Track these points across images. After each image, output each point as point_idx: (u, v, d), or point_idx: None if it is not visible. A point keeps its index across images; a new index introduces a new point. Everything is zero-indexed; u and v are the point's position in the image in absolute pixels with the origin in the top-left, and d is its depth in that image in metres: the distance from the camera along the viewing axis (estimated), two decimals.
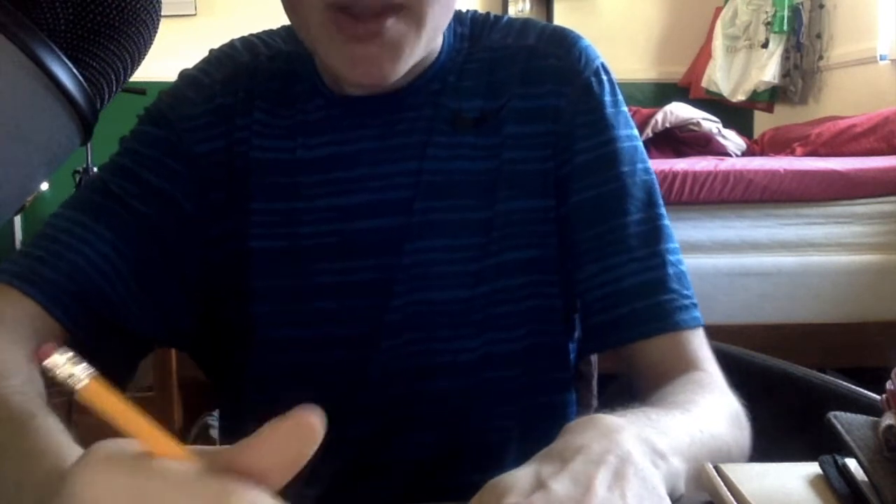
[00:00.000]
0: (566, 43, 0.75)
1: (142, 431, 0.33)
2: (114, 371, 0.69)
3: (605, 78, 0.75)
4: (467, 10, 0.79)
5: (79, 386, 0.32)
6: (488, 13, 0.79)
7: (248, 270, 0.72)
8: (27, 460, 0.48)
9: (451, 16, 0.70)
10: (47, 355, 0.32)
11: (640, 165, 0.73)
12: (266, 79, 0.75)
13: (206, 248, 0.73)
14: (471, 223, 0.71)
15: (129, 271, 0.69)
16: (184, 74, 0.77)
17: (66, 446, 0.49)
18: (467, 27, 0.77)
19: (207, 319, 0.75)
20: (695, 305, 0.71)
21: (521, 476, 0.43)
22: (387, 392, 0.72)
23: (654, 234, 0.71)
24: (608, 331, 0.71)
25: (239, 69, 0.76)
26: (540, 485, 0.42)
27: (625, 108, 0.76)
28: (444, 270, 0.71)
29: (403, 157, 0.72)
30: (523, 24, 0.77)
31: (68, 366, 0.32)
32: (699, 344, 0.70)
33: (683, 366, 0.68)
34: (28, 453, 0.48)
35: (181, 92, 0.75)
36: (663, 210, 0.74)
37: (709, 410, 0.61)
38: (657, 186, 0.74)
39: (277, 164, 0.73)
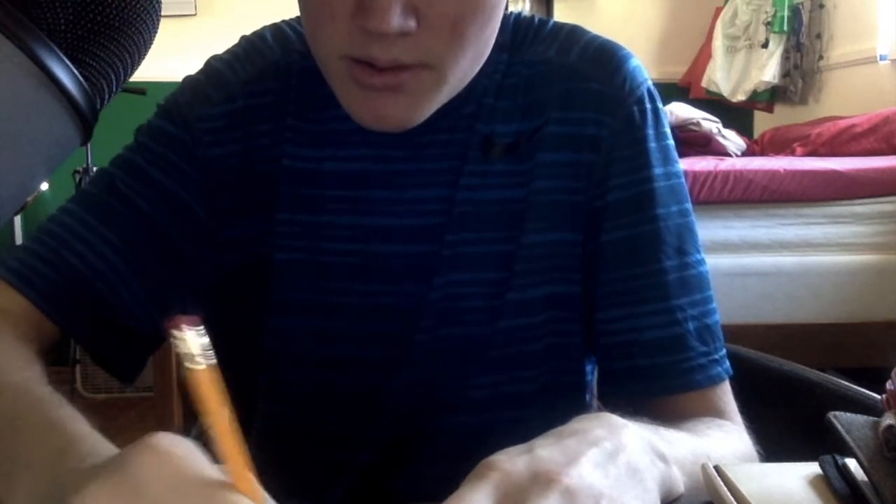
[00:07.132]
0: (611, 65, 0.71)
1: (224, 437, 0.36)
2: (119, 366, 0.71)
3: (648, 107, 0.71)
4: (511, 13, 0.73)
5: (192, 366, 0.34)
6: (533, 17, 0.75)
7: (268, 282, 0.70)
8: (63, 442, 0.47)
9: (482, 61, 0.65)
10: (180, 327, 0.34)
11: (675, 208, 0.70)
12: (298, 79, 0.72)
13: (216, 252, 0.72)
14: (496, 256, 0.69)
15: (131, 273, 0.68)
16: (210, 65, 0.74)
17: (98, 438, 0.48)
18: (508, 34, 0.72)
19: (218, 322, 0.73)
20: (716, 361, 0.68)
21: (514, 447, 0.44)
22: (396, 423, 0.70)
23: (681, 285, 0.68)
24: (628, 380, 0.68)
25: (268, 68, 0.73)
26: (528, 450, 0.43)
27: (670, 141, 0.72)
28: (468, 305, 0.69)
29: (434, 182, 0.69)
30: (568, 35, 0.72)
31: (195, 345, 0.34)
32: (719, 398, 0.68)
33: (704, 416, 0.66)
34: (68, 439, 0.47)
35: (203, 88, 0.72)
36: (698, 255, 0.70)
37: (720, 443, 0.60)
38: (694, 228, 0.71)
39: (305, 174, 0.70)
